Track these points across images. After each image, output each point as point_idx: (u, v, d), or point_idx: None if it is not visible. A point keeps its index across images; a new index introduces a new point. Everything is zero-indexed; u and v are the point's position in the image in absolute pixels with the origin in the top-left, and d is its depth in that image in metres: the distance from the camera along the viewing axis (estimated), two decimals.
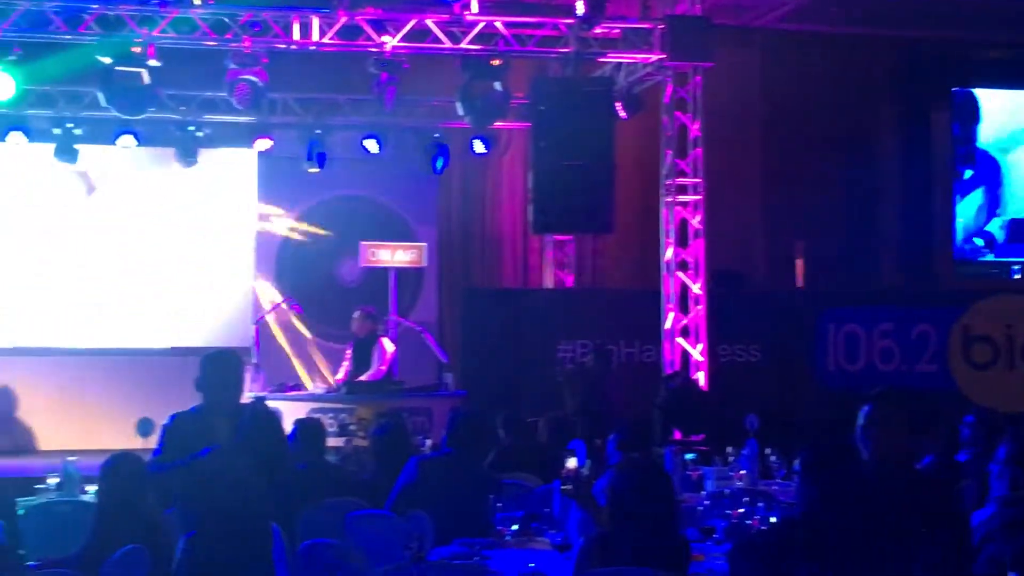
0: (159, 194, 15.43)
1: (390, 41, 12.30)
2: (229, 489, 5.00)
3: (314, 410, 11.65)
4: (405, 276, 14.96)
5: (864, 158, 17.00)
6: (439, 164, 15.49)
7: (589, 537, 5.13)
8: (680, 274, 13.55)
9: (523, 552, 6.06)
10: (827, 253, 16.49)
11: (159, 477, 6.21)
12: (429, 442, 10.13)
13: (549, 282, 16.32)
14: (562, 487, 6.12)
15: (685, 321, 13.52)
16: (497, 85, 12.59)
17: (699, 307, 13.52)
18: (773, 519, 6.22)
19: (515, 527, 6.40)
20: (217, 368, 6.77)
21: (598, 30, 12.87)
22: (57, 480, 8.13)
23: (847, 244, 16.82)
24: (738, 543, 5.02)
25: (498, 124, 14.29)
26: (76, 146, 14.53)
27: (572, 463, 6.05)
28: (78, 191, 15.30)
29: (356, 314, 12.79)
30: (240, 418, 6.51)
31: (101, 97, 12.10)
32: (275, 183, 15.64)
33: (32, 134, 14.22)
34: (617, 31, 13.11)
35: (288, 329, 15.31)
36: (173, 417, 6.76)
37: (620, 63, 13.61)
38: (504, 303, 14.89)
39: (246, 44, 12.09)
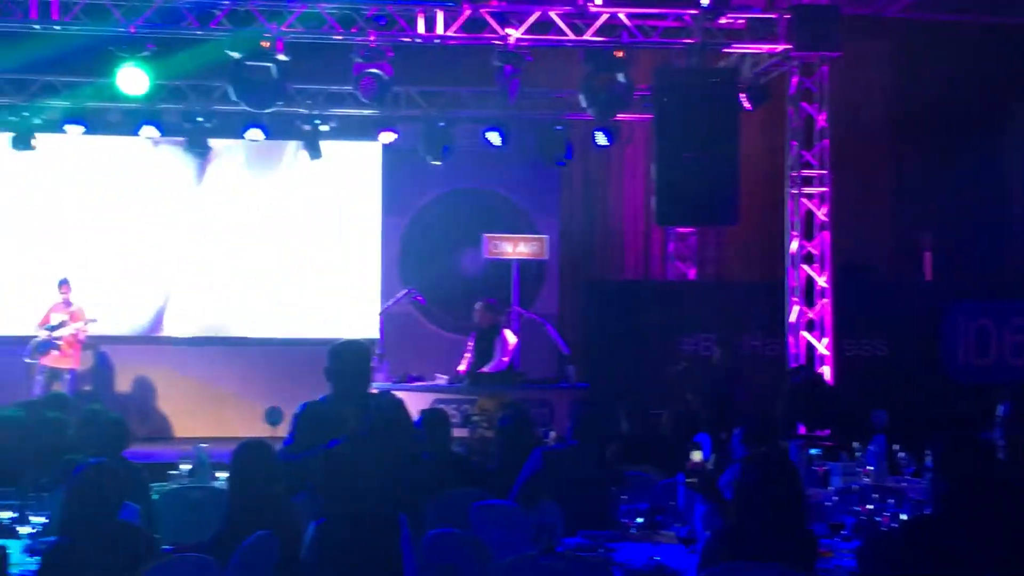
0: (287, 187, 15.71)
1: (514, 34, 12.33)
2: (360, 478, 5.07)
3: (437, 400, 11.72)
4: (527, 268, 14.99)
5: (996, 149, 16.59)
6: (561, 156, 15.52)
7: (715, 531, 5.09)
8: (805, 267, 13.38)
9: (648, 545, 6.04)
10: (956, 246, 16.13)
11: (290, 465, 6.31)
12: (553, 434, 10.15)
13: (671, 274, 16.24)
14: (687, 480, 6.09)
15: (810, 314, 13.34)
16: (620, 77, 12.50)
17: (824, 300, 13.32)
18: (904, 516, 6.10)
19: (640, 520, 6.38)
20: (346, 358, 6.87)
21: (723, 20, 12.73)
22: (189, 466, 8.31)
23: (977, 237, 16.43)
24: (868, 540, 4.95)
25: (621, 116, 14.24)
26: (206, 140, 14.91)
27: (697, 456, 6.03)
28: (203, 185, 15.64)
29: (478, 305, 12.86)
30: (368, 408, 6.60)
31: (231, 91, 12.32)
32: (399, 175, 15.80)
33: (164, 128, 14.56)
34: (742, 21, 12.95)
35: (411, 320, 15.44)
36: (304, 406, 6.88)
37: (745, 54, 13.49)
38: (626, 295, 14.87)
39: (372, 38, 12.22)
